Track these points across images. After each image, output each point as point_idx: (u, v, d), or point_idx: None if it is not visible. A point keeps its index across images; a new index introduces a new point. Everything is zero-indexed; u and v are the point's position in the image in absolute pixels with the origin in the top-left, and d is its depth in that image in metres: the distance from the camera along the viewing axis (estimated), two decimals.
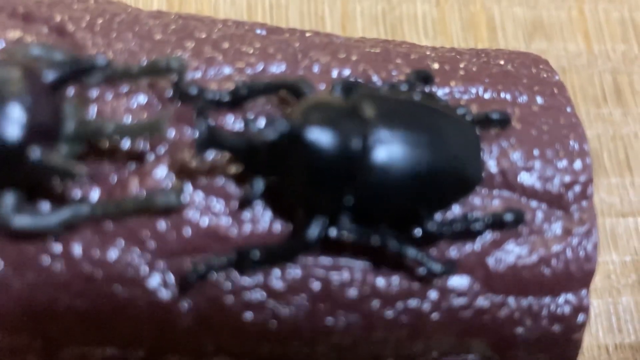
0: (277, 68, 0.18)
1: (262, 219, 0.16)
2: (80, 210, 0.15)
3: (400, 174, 0.15)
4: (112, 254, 0.15)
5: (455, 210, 0.17)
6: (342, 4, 0.32)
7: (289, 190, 0.16)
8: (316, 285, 0.16)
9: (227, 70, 0.17)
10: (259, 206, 0.16)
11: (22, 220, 0.15)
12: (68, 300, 0.15)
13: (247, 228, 0.16)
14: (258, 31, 0.19)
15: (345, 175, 0.15)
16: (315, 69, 0.18)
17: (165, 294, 0.16)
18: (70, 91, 0.16)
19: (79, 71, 0.15)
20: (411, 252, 0.16)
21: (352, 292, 0.16)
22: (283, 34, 0.19)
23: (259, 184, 0.15)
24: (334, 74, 0.18)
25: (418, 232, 0.16)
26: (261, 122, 0.15)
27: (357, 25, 0.32)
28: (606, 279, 0.28)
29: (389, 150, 0.15)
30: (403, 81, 0.18)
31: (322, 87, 0.17)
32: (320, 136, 0.15)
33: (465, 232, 0.16)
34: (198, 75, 0.17)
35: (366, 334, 0.16)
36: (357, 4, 0.32)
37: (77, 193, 0.15)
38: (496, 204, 0.17)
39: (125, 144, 0.16)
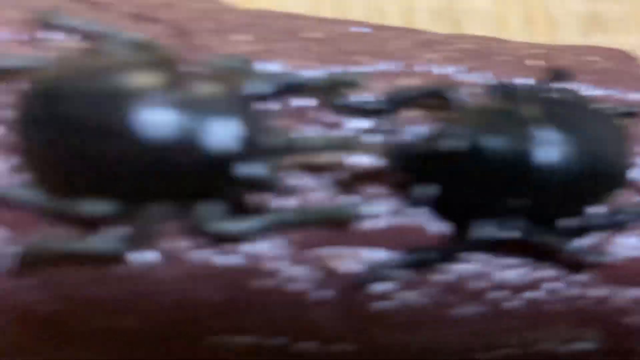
0: (390, 66, 0.18)
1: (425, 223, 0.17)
2: (281, 218, 0.16)
3: (561, 174, 0.16)
4: (246, 246, 0.16)
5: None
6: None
7: (456, 195, 0.16)
8: (443, 277, 0.17)
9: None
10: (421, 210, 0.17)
11: (227, 227, 0.15)
12: (206, 293, 0.16)
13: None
14: (364, 30, 0.20)
15: (515, 179, 0.16)
16: (431, 68, 0.18)
17: (303, 285, 0.16)
18: (272, 104, 0.16)
19: (284, 87, 0.16)
20: (571, 246, 0.17)
21: (477, 283, 0.17)
22: (389, 31, 0.20)
23: (426, 191, 0.16)
24: (448, 70, 0.18)
25: (573, 225, 0.17)
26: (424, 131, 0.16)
27: (419, 20, 0.33)
28: None
29: (551, 151, 0.16)
30: (543, 80, 0.18)
31: None
32: (494, 143, 0.16)
33: (614, 223, 0.17)
34: None
35: (488, 324, 0.17)
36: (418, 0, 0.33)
37: (277, 201, 0.16)
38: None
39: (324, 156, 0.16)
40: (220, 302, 0.16)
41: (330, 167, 0.16)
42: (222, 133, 0.15)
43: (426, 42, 0.20)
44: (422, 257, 0.16)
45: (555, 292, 0.17)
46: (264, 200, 0.16)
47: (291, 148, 0.15)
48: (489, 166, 0.16)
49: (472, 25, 0.33)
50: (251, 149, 0.15)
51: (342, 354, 0.17)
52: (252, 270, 0.16)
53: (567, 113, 0.17)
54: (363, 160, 0.17)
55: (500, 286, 0.17)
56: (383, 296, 0.17)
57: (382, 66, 0.18)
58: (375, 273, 0.16)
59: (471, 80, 0.18)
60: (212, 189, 0.15)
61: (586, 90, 0.19)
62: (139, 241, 0.15)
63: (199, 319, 0.16)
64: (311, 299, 0.16)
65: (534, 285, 0.17)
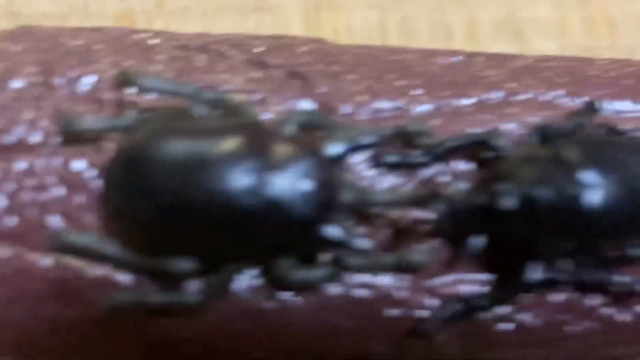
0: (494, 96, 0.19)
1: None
2: (349, 267, 0.17)
3: (608, 214, 0.17)
4: (377, 278, 0.17)
5: None
6: (468, 12, 0.34)
7: (507, 243, 0.17)
8: (557, 298, 0.18)
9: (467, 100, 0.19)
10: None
11: (297, 276, 0.17)
12: (341, 322, 0.17)
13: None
14: (457, 59, 0.21)
15: (566, 224, 0.17)
16: (533, 95, 0.19)
17: (428, 313, 0.17)
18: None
19: (358, 148, 0.17)
20: (619, 279, 0.17)
21: (591, 302, 0.18)
22: (481, 58, 0.21)
23: (478, 242, 0.17)
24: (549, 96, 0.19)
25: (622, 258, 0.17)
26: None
27: (484, 31, 0.34)
28: None
29: (598, 193, 0.17)
30: (581, 115, 0.19)
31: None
32: (544, 195, 0.17)
33: None
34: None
35: (601, 339, 0.18)
36: (480, 11, 0.34)
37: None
38: None
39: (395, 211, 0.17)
40: (350, 330, 0.17)
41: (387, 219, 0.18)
42: (301, 196, 0.16)
43: (521, 68, 0.21)
44: (473, 304, 0.17)
45: None
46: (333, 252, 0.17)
47: (365, 204, 0.17)
48: (539, 216, 0.17)
49: (535, 33, 0.34)
50: (329, 209, 0.16)
51: None
52: (382, 299, 0.17)
53: (604, 149, 0.18)
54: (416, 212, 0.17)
55: (611, 302, 0.18)
56: (501, 319, 0.18)
57: (486, 97, 0.19)
58: (433, 323, 0.17)
59: (572, 106, 0.19)
60: (290, 247, 0.16)
61: None
62: (217, 294, 0.17)
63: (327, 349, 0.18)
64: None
65: None
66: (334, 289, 0.17)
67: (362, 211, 0.17)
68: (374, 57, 0.20)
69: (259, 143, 0.16)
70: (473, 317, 0.17)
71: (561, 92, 0.19)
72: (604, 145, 0.18)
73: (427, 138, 0.18)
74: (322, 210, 0.16)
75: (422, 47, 0.23)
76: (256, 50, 0.20)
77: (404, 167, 0.18)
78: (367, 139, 0.17)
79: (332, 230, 0.16)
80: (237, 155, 0.16)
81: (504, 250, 0.17)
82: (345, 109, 0.18)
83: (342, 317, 0.17)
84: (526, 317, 0.18)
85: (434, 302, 0.18)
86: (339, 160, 0.17)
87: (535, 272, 0.17)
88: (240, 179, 0.16)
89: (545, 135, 0.18)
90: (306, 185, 0.16)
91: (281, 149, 0.16)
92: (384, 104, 0.19)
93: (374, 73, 0.20)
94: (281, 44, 0.21)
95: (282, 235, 0.16)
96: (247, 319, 0.17)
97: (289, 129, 0.17)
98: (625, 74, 0.21)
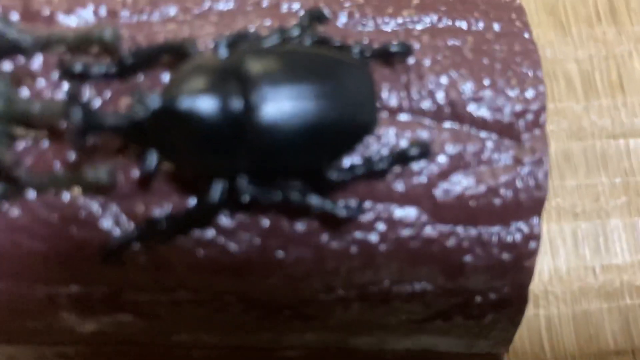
0: (225, 5, 0.18)
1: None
2: (21, 184, 0.16)
3: (291, 129, 0.15)
4: (65, 197, 0.16)
5: (372, 149, 0.17)
6: None
7: (182, 160, 0.16)
8: (265, 222, 0.17)
9: (172, 11, 0.17)
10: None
11: None
12: (28, 243, 0.16)
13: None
14: None
15: (232, 139, 0.15)
16: (265, 4, 0.18)
17: (118, 234, 0.16)
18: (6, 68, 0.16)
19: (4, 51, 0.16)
20: (315, 201, 0.16)
21: (301, 227, 0.17)
22: None
23: (152, 158, 0.15)
24: (284, 8, 0.18)
25: (321, 181, 0.16)
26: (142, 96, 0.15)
27: None
28: (595, 202, 0.28)
29: (275, 106, 0.15)
30: (296, 25, 0.17)
31: (270, 23, 0.18)
32: (196, 105, 0.15)
33: (370, 173, 0.16)
34: (144, 17, 0.17)
35: (317, 265, 0.17)
36: None
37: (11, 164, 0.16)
38: (445, 136, 0.17)
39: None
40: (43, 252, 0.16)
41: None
42: None
43: None
44: (157, 227, 0.16)
45: (384, 234, 0.17)
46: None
47: (13, 114, 0.15)
48: (194, 130, 0.15)
49: None
50: None
51: (171, 304, 0.17)
52: (70, 220, 0.16)
53: (301, 65, 0.16)
54: None
55: (323, 228, 0.17)
56: (202, 243, 0.17)
57: (221, 5, 0.18)
58: (115, 245, 0.16)
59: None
60: None
61: (437, 23, 0.18)
62: None
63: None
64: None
65: (360, 226, 0.17)
66: (16, 209, 0.16)
67: (16, 120, 0.16)
68: None
69: None
70: (170, 240, 0.16)
71: (297, 4, 0.18)
72: (307, 58, 0.16)
73: (118, 47, 0.16)
74: None
75: None
76: None
77: (93, 76, 0.16)
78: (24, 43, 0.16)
79: None
80: None
81: (190, 169, 0.16)
82: (45, 11, 0.17)
83: (28, 238, 0.16)
84: (229, 243, 0.17)
85: (127, 224, 0.16)
86: None
87: (215, 193, 0.16)
88: None
89: (233, 44, 0.17)
90: None
91: None
92: (89, 9, 0.17)
93: None
94: None
95: None
96: None
97: None
98: None
